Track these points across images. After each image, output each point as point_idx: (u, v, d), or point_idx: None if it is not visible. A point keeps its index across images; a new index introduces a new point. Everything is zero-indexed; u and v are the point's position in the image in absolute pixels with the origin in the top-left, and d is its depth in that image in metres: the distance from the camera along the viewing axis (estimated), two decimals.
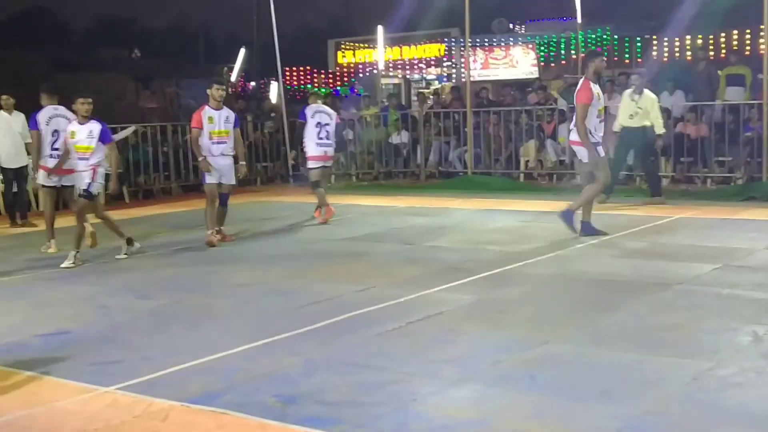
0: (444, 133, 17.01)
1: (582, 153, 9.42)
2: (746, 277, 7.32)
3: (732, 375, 4.84)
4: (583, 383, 4.79)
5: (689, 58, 19.30)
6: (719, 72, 15.34)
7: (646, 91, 12.39)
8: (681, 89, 15.14)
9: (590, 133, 9.31)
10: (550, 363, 5.18)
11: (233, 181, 10.43)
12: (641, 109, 12.22)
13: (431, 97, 20.36)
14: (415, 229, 10.86)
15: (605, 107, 9.79)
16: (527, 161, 15.94)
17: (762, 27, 13.84)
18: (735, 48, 18.88)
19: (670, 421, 4.23)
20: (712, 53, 18.74)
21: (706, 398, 4.52)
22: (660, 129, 12.36)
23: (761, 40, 14.93)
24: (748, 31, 18.88)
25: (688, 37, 19.78)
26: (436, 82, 25.45)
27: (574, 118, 9.62)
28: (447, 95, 19.73)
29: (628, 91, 12.61)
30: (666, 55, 20.50)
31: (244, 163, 10.60)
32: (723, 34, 19.50)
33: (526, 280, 7.60)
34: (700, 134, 14.16)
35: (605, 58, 9.93)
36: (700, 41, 19.49)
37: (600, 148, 9.46)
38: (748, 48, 18.97)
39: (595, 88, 9.39)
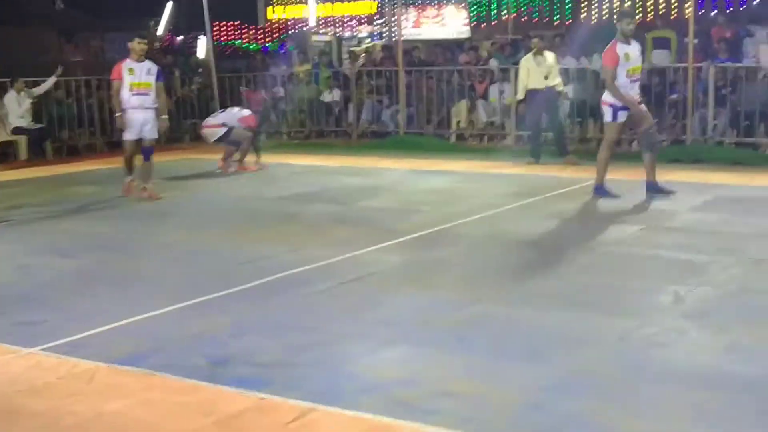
0: (376, 92, 16.93)
1: (607, 113, 9.42)
2: (669, 238, 7.48)
3: (655, 334, 4.96)
4: (512, 343, 4.86)
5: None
6: (646, 35, 15.54)
7: (546, 52, 12.78)
8: None
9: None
10: (479, 323, 5.23)
11: (155, 135, 10.36)
12: (549, 69, 12.58)
13: (363, 55, 20.21)
14: (347, 189, 10.82)
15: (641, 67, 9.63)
16: (459, 122, 15.97)
17: None
18: (662, 12, 19.14)
19: (596, 380, 4.32)
20: (639, 16, 18.96)
21: (631, 357, 4.62)
22: (561, 87, 12.72)
23: (687, 4, 15.16)
24: None
25: (617, 0, 19.98)
26: (368, 40, 25.26)
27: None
28: (378, 54, 19.60)
29: (528, 55, 12.89)
30: (595, 17, 20.69)
31: (166, 116, 10.54)
32: None
33: (457, 240, 7.65)
34: None
35: (634, 20, 9.80)
36: (628, 4, 19.70)
37: (624, 112, 9.36)
38: (674, 11, 19.26)
39: (624, 49, 9.28)
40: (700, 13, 17.43)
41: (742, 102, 13.08)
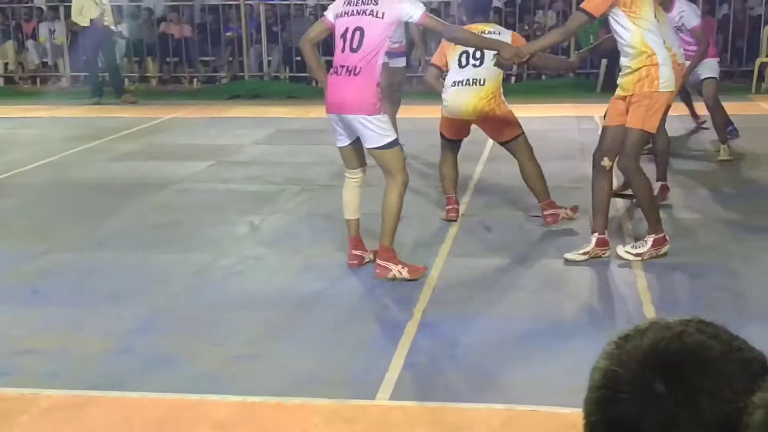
0: None
1: None
2: (238, 171, 7.67)
3: (233, 264, 5.11)
4: (90, 289, 4.71)
5: None
6: None
7: None
8: None
9: None
10: (53, 273, 4.98)
11: None
12: (104, 5, 12.11)
13: None
14: None
15: None
16: (6, 63, 14.80)
17: None
18: None
19: (178, 314, 4.36)
20: None
21: (211, 288, 4.72)
22: (113, 25, 12.41)
23: None
24: None
25: None
26: None
27: None
28: None
29: None
30: None
31: None
32: None
33: (17, 190, 7.14)
34: (183, 34, 14.34)
35: None
36: None
37: None
38: None
39: None
40: None
41: (292, 38, 13.71)
